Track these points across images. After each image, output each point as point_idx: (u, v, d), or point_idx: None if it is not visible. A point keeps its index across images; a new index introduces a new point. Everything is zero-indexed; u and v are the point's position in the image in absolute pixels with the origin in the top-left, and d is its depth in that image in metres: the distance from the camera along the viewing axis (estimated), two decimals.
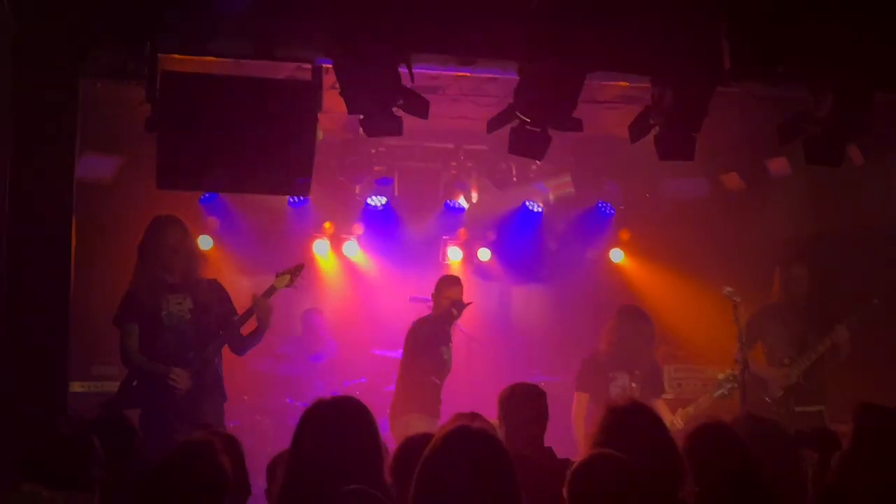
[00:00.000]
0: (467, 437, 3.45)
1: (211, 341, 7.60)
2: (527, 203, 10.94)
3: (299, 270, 8.20)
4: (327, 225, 10.87)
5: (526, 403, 5.82)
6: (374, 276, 11.05)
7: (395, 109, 6.45)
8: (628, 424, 4.66)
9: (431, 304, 9.38)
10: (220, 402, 7.71)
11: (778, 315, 9.20)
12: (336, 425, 3.76)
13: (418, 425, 8.01)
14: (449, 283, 9.40)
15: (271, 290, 7.95)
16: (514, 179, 10.47)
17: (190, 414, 7.27)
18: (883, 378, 8.72)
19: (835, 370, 9.06)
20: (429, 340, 9.09)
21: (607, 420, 4.75)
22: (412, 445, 4.42)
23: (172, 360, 7.47)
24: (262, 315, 7.78)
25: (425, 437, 4.58)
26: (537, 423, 5.77)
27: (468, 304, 9.24)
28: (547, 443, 5.84)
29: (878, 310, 8.95)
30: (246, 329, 7.85)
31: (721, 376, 8.73)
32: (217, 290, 7.87)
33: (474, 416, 5.38)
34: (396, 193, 10.75)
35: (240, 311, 7.84)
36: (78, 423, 5.16)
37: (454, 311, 9.13)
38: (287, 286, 8.11)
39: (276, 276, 8.12)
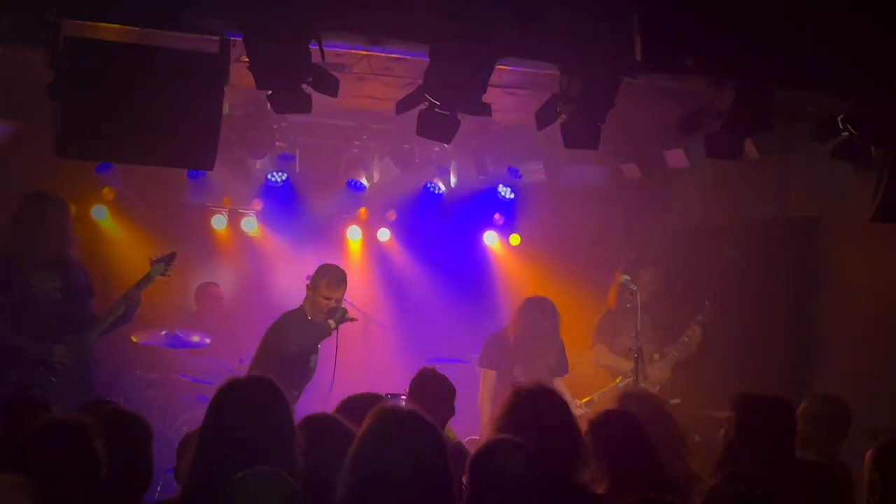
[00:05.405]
0: (402, 419, 3.48)
1: (79, 323, 7.55)
2: (428, 185, 10.94)
3: (172, 258, 8.16)
4: (226, 199, 10.71)
5: (437, 388, 5.86)
6: (271, 252, 10.92)
7: (304, 86, 6.39)
8: (533, 407, 4.72)
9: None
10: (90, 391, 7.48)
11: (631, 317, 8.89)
12: (249, 405, 3.70)
13: None
14: (331, 279, 8.01)
15: (148, 279, 7.95)
16: (417, 161, 10.45)
17: (63, 394, 7.01)
18: (727, 366, 9.04)
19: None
20: (296, 347, 7.86)
21: (512, 402, 4.80)
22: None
23: (45, 339, 7.35)
24: (134, 306, 7.81)
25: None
26: (445, 408, 5.78)
27: (353, 319, 8.06)
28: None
29: (711, 311, 9.25)
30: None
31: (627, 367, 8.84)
32: (85, 275, 7.81)
33: (376, 397, 5.39)
34: (298, 170, 10.62)
35: (131, 282, 7.89)
36: None
37: (332, 323, 7.93)
38: (162, 275, 8.09)
39: (152, 264, 8.07)
